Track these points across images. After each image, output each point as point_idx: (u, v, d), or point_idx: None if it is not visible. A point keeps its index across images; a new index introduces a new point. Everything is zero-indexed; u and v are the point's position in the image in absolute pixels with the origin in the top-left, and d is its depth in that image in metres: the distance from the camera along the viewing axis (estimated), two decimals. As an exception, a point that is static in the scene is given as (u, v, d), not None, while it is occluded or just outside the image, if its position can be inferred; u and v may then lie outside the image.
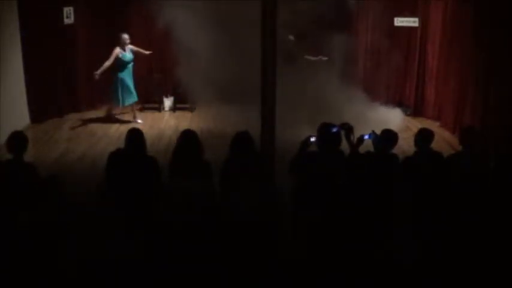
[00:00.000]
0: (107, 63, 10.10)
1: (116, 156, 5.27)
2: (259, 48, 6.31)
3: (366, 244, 4.21)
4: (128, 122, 10.49)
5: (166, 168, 5.30)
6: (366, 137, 5.47)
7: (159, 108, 11.60)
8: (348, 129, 5.41)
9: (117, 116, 10.81)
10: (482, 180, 5.07)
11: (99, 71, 10.10)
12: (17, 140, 5.33)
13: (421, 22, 11.06)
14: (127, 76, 10.36)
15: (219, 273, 4.08)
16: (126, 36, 10.27)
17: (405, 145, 7.64)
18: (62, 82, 10.86)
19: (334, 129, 5.34)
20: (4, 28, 9.40)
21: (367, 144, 5.57)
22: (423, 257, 4.20)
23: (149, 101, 11.75)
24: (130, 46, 10.36)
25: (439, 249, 4.27)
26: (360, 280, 4.02)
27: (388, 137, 5.54)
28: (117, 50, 10.16)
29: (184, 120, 10.77)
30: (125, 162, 5.21)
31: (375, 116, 9.91)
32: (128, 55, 10.29)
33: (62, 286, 4.11)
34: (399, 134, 5.73)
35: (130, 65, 10.39)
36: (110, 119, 10.71)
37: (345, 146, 5.47)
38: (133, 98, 10.52)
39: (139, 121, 10.58)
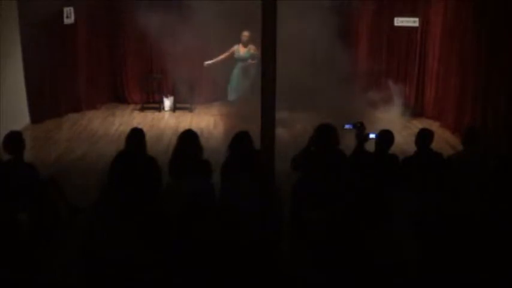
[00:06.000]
0: (221, 57, 10.15)
1: (118, 157, 5.29)
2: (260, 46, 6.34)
3: (366, 244, 4.20)
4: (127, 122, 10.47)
5: (166, 168, 5.30)
6: (373, 135, 5.51)
7: (159, 108, 11.60)
8: (361, 127, 5.46)
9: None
10: (482, 180, 5.07)
11: (210, 62, 10.22)
12: (12, 140, 5.30)
13: (421, 22, 11.05)
14: (235, 73, 10.19)
15: (219, 273, 4.09)
16: (245, 33, 9.99)
17: (405, 145, 7.62)
18: (62, 82, 10.85)
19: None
20: (4, 27, 9.40)
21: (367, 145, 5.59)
22: (424, 257, 4.20)
23: (149, 101, 11.76)
24: (251, 46, 10.03)
25: (439, 249, 4.27)
26: (360, 280, 4.02)
27: (385, 138, 5.55)
28: (234, 47, 10.09)
29: (184, 120, 10.77)
30: (125, 162, 5.21)
31: (374, 115, 9.92)
32: (242, 53, 10.06)
33: (61, 286, 4.11)
34: (399, 134, 5.73)
35: (240, 63, 10.12)
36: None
37: (344, 145, 5.50)
38: (232, 95, 10.30)
39: None
